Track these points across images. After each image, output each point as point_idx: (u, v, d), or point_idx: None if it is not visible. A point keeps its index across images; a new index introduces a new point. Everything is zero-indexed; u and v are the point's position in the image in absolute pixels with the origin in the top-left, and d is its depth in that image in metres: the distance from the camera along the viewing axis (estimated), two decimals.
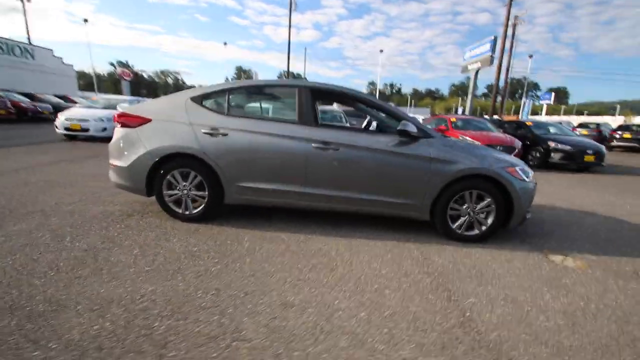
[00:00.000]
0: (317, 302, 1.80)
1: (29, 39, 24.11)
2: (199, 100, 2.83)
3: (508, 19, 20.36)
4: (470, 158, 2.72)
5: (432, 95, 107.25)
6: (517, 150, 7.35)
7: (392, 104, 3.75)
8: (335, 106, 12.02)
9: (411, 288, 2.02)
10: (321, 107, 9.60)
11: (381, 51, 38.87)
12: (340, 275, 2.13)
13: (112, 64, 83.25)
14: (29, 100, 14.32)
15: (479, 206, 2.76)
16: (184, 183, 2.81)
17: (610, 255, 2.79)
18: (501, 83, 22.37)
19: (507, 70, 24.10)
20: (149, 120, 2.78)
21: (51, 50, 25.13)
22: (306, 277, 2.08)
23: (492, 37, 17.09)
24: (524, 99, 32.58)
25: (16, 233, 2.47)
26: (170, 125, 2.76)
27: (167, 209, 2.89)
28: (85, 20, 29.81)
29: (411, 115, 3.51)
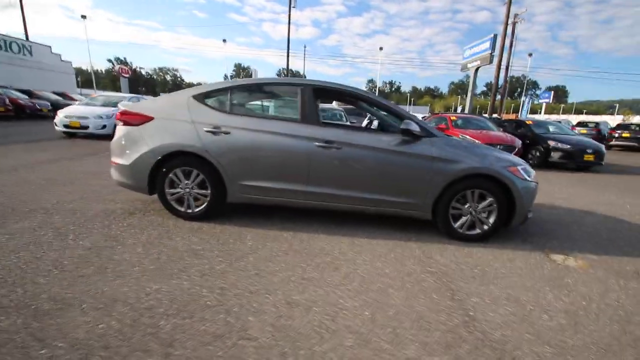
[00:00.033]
0: (322, 301, 1.81)
1: (26, 35, 23.87)
2: (201, 98, 2.82)
3: (508, 17, 20.33)
4: (472, 157, 2.72)
5: (432, 94, 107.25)
6: (517, 149, 7.36)
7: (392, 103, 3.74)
8: (334, 104, 12.00)
9: (415, 287, 2.03)
10: (321, 106, 9.58)
11: (381, 49, 38.69)
12: (344, 274, 2.14)
13: (110, 61, 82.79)
14: (27, 97, 14.22)
15: (480, 205, 2.77)
16: (186, 181, 2.80)
17: (611, 255, 2.81)
18: (500, 81, 22.37)
19: (507, 68, 24.10)
20: (151, 119, 2.77)
21: (49, 46, 24.93)
22: (310, 276, 2.09)
23: (492, 35, 17.06)
24: (523, 98, 32.63)
25: (19, 231, 2.46)
26: (173, 124, 2.76)
27: (169, 208, 2.89)
28: (84, 17, 29.52)
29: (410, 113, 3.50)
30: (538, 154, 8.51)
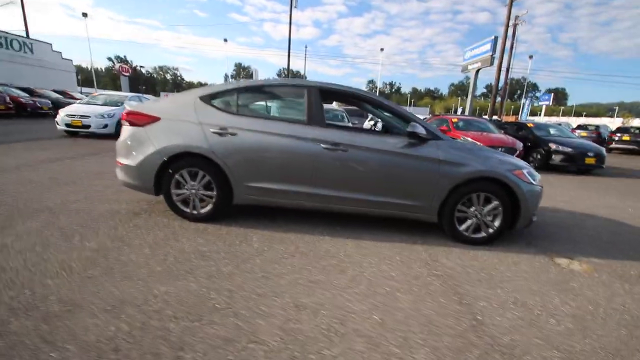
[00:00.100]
0: (330, 304, 1.81)
1: (27, 32, 23.83)
2: (208, 99, 2.82)
3: (509, 18, 20.36)
4: (478, 160, 2.73)
5: (432, 95, 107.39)
6: (518, 151, 7.37)
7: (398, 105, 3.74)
8: (334, 105, 12.00)
9: (422, 291, 2.04)
10: None
11: (382, 49, 38.79)
12: (351, 277, 2.14)
13: (110, 59, 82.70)
14: (27, 95, 14.20)
15: (486, 209, 2.77)
16: (193, 182, 2.80)
17: (614, 258, 2.81)
18: (500, 83, 22.40)
19: (507, 70, 24.14)
20: (157, 119, 2.77)
21: (50, 44, 24.89)
22: (317, 279, 2.09)
23: (493, 37, 17.09)
24: (523, 100, 32.68)
25: (25, 232, 2.46)
26: (179, 125, 2.76)
27: (175, 209, 2.88)
28: (85, 15, 29.50)
29: None
30: (539, 156, 8.53)
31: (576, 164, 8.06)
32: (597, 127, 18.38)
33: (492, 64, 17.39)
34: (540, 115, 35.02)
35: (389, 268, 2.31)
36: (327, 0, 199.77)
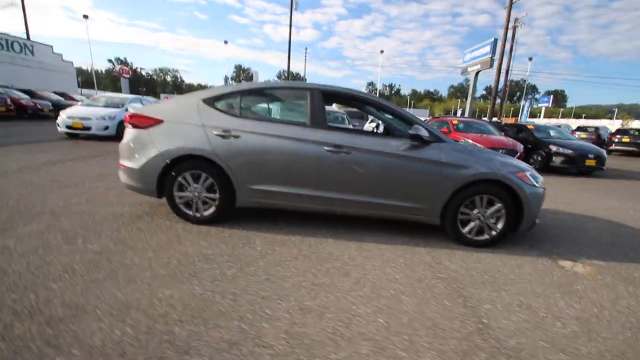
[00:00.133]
0: (335, 308, 1.81)
1: (27, 34, 23.89)
2: (211, 102, 2.83)
3: (508, 21, 20.46)
4: (481, 163, 2.73)
5: (431, 97, 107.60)
6: (519, 153, 7.38)
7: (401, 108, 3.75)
8: (334, 107, 12.02)
9: (426, 294, 2.03)
10: None
11: (382, 52, 38.94)
12: (354, 280, 2.14)
13: (110, 61, 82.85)
14: (28, 97, 14.20)
15: (489, 211, 2.77)
16: (195, 185, 2.80)
17: (618, 261, 2.81)
18: (500, 85, 22.45)
19: (507, 72, 24.22)
20: (160, 122, 2.77)
21: (51, 46, 24.93)
22: (321, 282, 2.08)
23: (493, 39, 17.15)
24: (523, 102, 32.76)
25: (27, 234, 2.45)
26: (182, 127, 2.76)
27: (178, 211, 2.88)
28: (85, 17, 29.59)
29: None
30: (539, 158, 8.54)
31: (576, 165, 8.07)
32: (597, 128, 18.41)
33: (491, 66, 17.43)
34: (539, 117, 35.11)
35: (392, 271, 2.31)
36: (326, 2, 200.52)
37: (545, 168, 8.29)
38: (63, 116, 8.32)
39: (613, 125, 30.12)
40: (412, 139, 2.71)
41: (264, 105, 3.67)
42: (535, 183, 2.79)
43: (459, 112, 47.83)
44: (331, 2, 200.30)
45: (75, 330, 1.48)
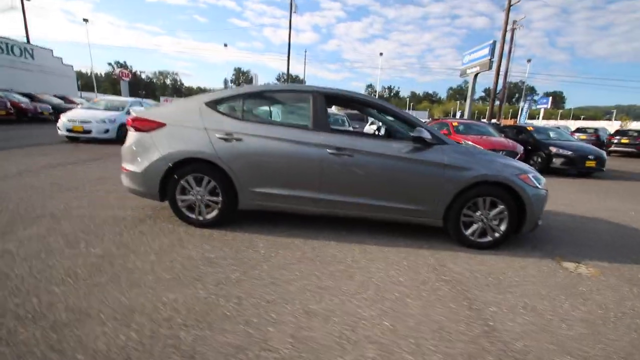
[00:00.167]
0: (340, 311, 1.80)
1: (27, 38, 23.93)
2: (214, 105, 2.83)
3: (507, 23, 20.56)
4: (483, 165, 2.73)
5: (430, 99, 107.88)
6: (519, 155, 7.40)
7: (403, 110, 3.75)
8: (334, 109, 12.03)
9: (431, 296, 2.02)
10: None
11: (381, 54, 39.08)
12: (359, 283, 2.13)
13: (110, 64, 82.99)
14: (28, 100, 14.19)
15: (492, 213, 2.77)
16: (198, 188, 2.79)
17: (621, 262, 2.81)
18: (499, 87, 22.53)
19: (506, 74, 24.31)
20: (163, 125, 2.77)
21: (51, 50, 24.97)
22: (326, 285, 2.07)
23: (492, 42, 17.25)
24: (522, 103, 32.87)
25: (28, 238, 2.44)
26: (185, 130, 2.76)
27: (180, 215, 2.87)
28: (86, 20, 29.69)
29: None
30: (539, 160, 8.55)
31: (577, 167, 8.08)
32: (596, 130, 18.46)
33: (490, 68, 17.52)
34: (538, 118, 35.22)
35: (396, 273, 2.30)
36: (325, 5, 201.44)
37: (546, 169, 8.30)
38: (63, 119, 8.32)
39: (612, 126, 30.23)
40: (415, 141, 2.71)
41: (267, 108, 3.67)
42: (537, 185, 2.79)
43: (458, 114, 47.94)
44: (330, 5, 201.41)
45: (79, 334, 1.47)
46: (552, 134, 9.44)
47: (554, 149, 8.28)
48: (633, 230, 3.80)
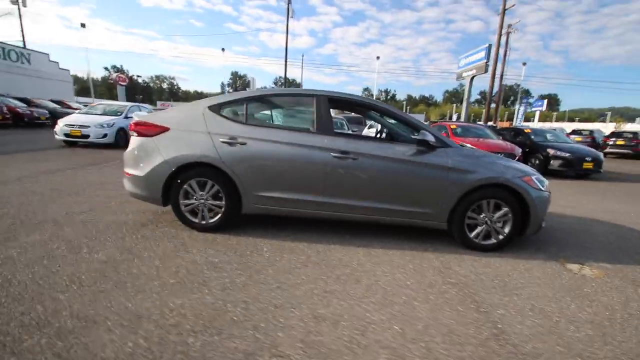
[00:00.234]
0: (349, 315, 1.79)
1: (24, 43, 23.87)
2: (217, 109, 2.83)
3: (501, 27, 20.82)
4: (487, 167, 2.75)
5: (426, 102, 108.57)
6: (517, 157, 7.44)
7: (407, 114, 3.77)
8: (332, 112, 12.04)
9: (439, 299, 2.02)
10: None
11: (378, 58, 39.37)
12: (366, 287, 2.12)
13: (106, 69, 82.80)
14: (25, 105, 14.12)
15: (496, 215, 2.78)
16: (201, 192, 2.78)
17: (623, 263, 2.82)
18: (494, 90, 22.75)
19: (501, 77, 24.56)
20: (166, 129, 2.76)
21: (47, 54, 24.89)
22: (333, 289, 2.06)
23: (487, 45, 17.47)
24: (517, 106, 33.18)
25: (31, 244, 2.41)
26: (188, 135, 2.75)
27: (183, 219, 2.85)
28: (83, 26, 29.68)
29: None
30: (537, 162, 8.62)
31: (574, 168, 8.15)
32: (592, 132, 18.66)
33: (486, 71, 17.73)
34: (534, 120, 35.51)
35: (403, 277, 2.30)
36: (322, 10, 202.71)
37: (543, 171, 8.35)
38: (61, 124, 8.28)
39: (606, 128, 30.56)
40: (419, 144, 2.72)
41: (270, 111, 3.68)
42: (541, 187, 2.81)
43: (454, 117, 48.28)
44: (326, 10, 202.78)
45: (86, 342, 1.44)
46: (549, 136, 9.52)
47: (551, 151, 8.35)
48: (633, 232, 3.82)
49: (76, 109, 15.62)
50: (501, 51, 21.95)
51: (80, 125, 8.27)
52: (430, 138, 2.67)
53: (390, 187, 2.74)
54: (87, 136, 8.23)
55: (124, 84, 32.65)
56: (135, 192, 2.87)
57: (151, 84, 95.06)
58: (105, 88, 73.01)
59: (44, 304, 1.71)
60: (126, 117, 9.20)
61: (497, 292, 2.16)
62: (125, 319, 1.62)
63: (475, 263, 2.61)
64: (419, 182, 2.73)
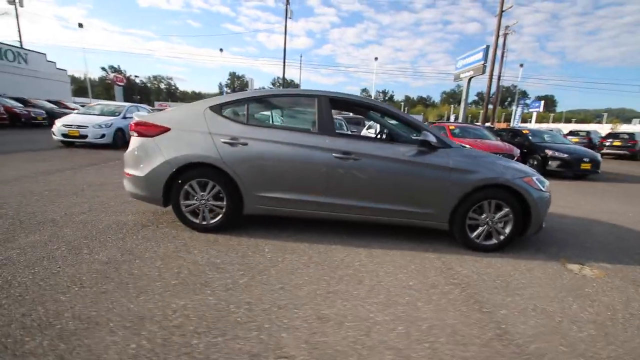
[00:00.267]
0: (353, 316, 1.78)
1: (20, 43, 23.72)
2: (218, 109, 2.82)
3: (499, 29, 20.94)
4: (488, 168, 2.76)
5: (424, 103, 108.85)
6: (515, 158, 7.47)
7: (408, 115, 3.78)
8: None
9: (442, 300, 2.02)
10: None
11: (376, 59, 39.49)
12: (369, 287, 2.12)
13: (104, 69, 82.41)
14: (22, 105, 14.02)
15: (497, 216, 2.79)
16: (202, 193, 2.77)
17: (623, 263, 2.84)
18: (492, 91, 22.85)
19: (499, 78, 24.71)
20: (167, 130, 2.75)
21: (44, 54, 24.71)
22: (336, 289, 2.06)
23: (485, 46, 17.52)
24: (514, 107, 33.37)
25: (30, 245, 2.39)
26: (189, 135, 2.74)
27: (184, 220, 2.84)
28: (80, 25, 29.56)
29: None
30: (535, 162, 8.66)
31: (572, 169, 8.20)
32: (588, 132, 18.80)
33: (484, 72, 17.77)
34: (531, 121, 35.73)
35: (405, 277, 2.29)
36: (320, 11, 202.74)
37: (542, 172, 8.40)
38: (58, 124, 8.23)
39: (603, 129, 30.77)
40: (420, 144, 2.73)
41: (271, 112, 3.67)
42: (541, 187, 2.82)
43: (452, 117, 48.46)
44: (325, 11, 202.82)
45: (89, 344, 1.43)
46: (547, 137, 9.57)
47: (549, 152, 8.39)
48: (631, 232, 3.85)
49: (73, 109, 15.56)
50: (498, 52, 22.09)
51: (78, 126, 8.22)
52: (432, 139, 2.67)
53: (392, 187, 2.74)
54: (85, 136, 8.18)
55: (122, 84, 32.54)
56: (136, 193, 2.86)
57: (149, 85, 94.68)
58: (102, 88, 72.65)
59: (45, 306, 1.69)
60: (124, 118, 9.16)
61: (500, 292, 2.17)
62: (127, 320, 1.61)
63: (476, 263, 2.61)
64: (421, 182, 2.74)
